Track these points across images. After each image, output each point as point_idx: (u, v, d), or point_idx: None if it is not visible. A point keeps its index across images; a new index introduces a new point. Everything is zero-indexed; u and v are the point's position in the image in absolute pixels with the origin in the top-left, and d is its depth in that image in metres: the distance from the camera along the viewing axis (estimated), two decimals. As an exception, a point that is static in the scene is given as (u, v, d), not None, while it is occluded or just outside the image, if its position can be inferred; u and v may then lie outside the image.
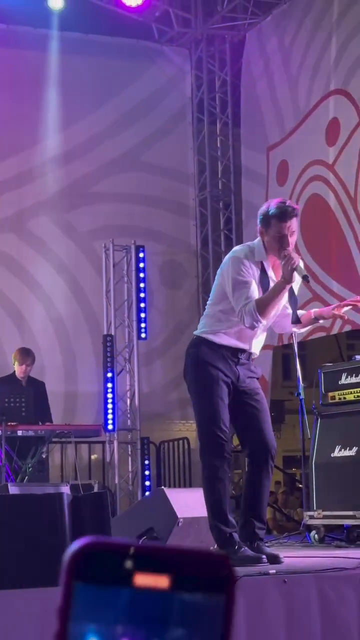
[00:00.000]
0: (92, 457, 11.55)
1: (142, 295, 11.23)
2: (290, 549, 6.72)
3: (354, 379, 7.26)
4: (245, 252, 5.31)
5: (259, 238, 5.38)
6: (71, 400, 11.58)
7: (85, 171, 12.34)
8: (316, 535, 7.10)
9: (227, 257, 5.42)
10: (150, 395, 12.01)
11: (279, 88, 11.89)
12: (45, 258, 12.03)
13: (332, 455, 7.18)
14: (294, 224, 5.27)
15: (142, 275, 11.25)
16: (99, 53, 12.52)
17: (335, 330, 10.64)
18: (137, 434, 11.12)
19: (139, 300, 11.20)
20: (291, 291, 5.33)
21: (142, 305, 11.22)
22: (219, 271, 5.43)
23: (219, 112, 13.05)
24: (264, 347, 11.46)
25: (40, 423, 8.94)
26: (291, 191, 11.32)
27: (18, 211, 11.98)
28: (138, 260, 11.24)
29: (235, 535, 5.17)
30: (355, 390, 7.22)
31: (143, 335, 11.24)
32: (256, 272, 5.27)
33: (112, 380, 10.88)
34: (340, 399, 7.33)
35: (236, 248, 5.50)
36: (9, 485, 5.89)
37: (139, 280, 11.22)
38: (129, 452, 11.17)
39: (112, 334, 11.06)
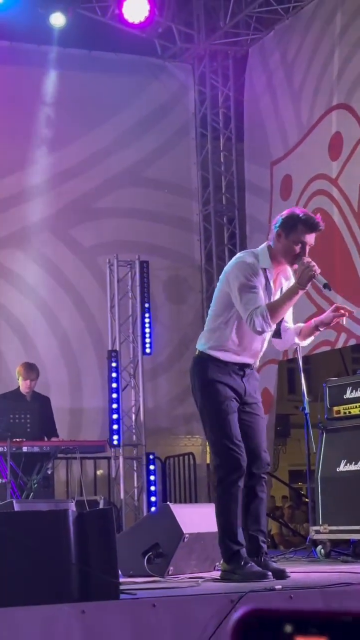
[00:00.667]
0: (98, 472, 11.53)
1: (146, 310, 11.24)
2: (296, 564, 6.71)
3: (358, 393, 7.25)
4: (251, 258, 5.28)
5: (263, 245, 5.36)
6: (76, 416, 11.57)
7: (89, 187, 12.36)
8: (322, 550, 7.09)
9: (231, 262, 5.35)
10: (156, 410, 12.00)
11: (281, 103, 11.91)
12: (50, 274, 12.04)
13: (337, 469, 7.17)
14: (314, 238, 5.27)
15: (146, 290, 11.26)
16: (102, 69, 12.56)
17: (340, 345, 10.63)
18: (143, 450, 11.10)
19: (144, 315, 11.21)
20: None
21: (147, 320, 11.23)
22: (222, 277, 5.35)
23: (222, 127, 13.07)
24: (269, 361, 11.47)
25: (45, 439, 8.93)
26: (295, 205, 11.33)
27: (22, 227, 12.00)
28: (142, 275, 11.25)
29: (243, 552, 5.16)
30: (360, 404, 7.21)
31: (148, 350, 11.24)
32: (262, 279, 5.25)
33: (117, 395, 10.88)
34: (345, 413, 7.32)
35: (240, 253, 5.45)
36: (14, 501, 5.88)
37: (143, 295, 11.22)
38: (135, 468, 11.16)
39: (117, 349, 11.06)
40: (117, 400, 10.86)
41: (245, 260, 5.25)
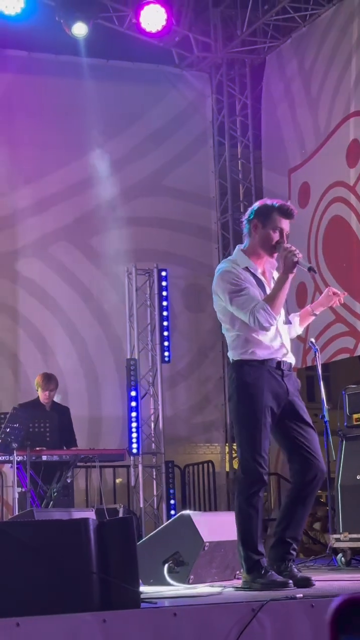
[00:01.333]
0: (117, 481, 11.53)
1: (165, 318, 11.23)
2: (317, 572, 6.68)
3: (378, 401, 7.23)
4: (229, 264, 5.33)
5: (236, 250, 5.41)
6: (95, 425, 11.58)
7: (107, 196, 12.39)
8: (343, 558, 7.06)
9: (214, 278, 5.38)
10: (174, 418, 12.00)
11: (299, 110, 11.90)
12: (68, 283, 12.06)
13: (358, 477, 7.15)
14: (289, 225, 5.30)
15: (164, 298, 11.26)
16: (120, 79, 12.59)
17: (358, 352, 10.60)
18: (162, 458, 11.10)
19: (162, 323, 11.21)
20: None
21: (165, 328, 11.23)
22: (213, 296, 5.37)
23: (240, 135, 13.07)
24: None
25: (65, 448, 8.93)
26: (313, 213, 11.32)
27: (41, 236, 12.03)
28: (161, 283, 11.25)
29: (263, 561, 5.14)
30: (380, 411, 7.19)
31: (166, 358, 11.24)
32: (249, 277, 5.26)
33: (136, 404, 10.87)
34: (365, 420, 7.29)
35: (219, 266, 5.48)
36: (34, 510, 5.89)
37: (161, 303, 11.22)
38: (154, 476, 11.15)
39: (136, 357, 11.06)
40: (136, 409, 10.86)
41: (224, 269, 5.32)
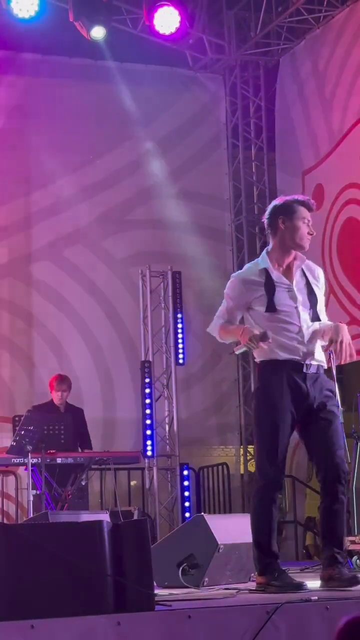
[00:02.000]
0: (132, 483, 11.52)
1: (179, 320, 11.23)
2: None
3: (393, 403, 7.21)
4: (242, 271, 5.49)
5: (262, 253, 5.44)
6: (110, 427, 11.58)
7: (121, 198, 12.39)
8: (358, 561, 7.04)
9: None
10: (189, 420, 11.98)
11: (313, 112, 11.89)
12: (82, 285, 12.08)
13: (372, 479, 7.12)
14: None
15: (178, 300, 11.25)
16: (134, 81, 12.60)
17: (373, 354, 10.56)
18: (177, 460, 11.09)
19: (176, 325, 11.20)
20: (310, 289, 5.35)
21: (180, 330, 11.22)
22: None
23: (254, 137, 13.06)
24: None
25: (79, 450, 8.93)
26: (327, 214, 11.30)
27: (54, 239, 12.05)
28: (175, 286, 11.24)
29: (277, 563, 5.14)
30: (395, 413, 7.17)
31: (181, 360, 11.23)
32: (260, 278, 5.30)
33: (151, 406, 10.87)
34: (379, 422, 7.27)
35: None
36: (49, 513, 5.89)
37: (175, 305, 11.22)
38: (168, 478, 11.14)
39: (150, 360, 11.06)
40: (151, 411, 10.85)
41: (232, 275, 5.56)
